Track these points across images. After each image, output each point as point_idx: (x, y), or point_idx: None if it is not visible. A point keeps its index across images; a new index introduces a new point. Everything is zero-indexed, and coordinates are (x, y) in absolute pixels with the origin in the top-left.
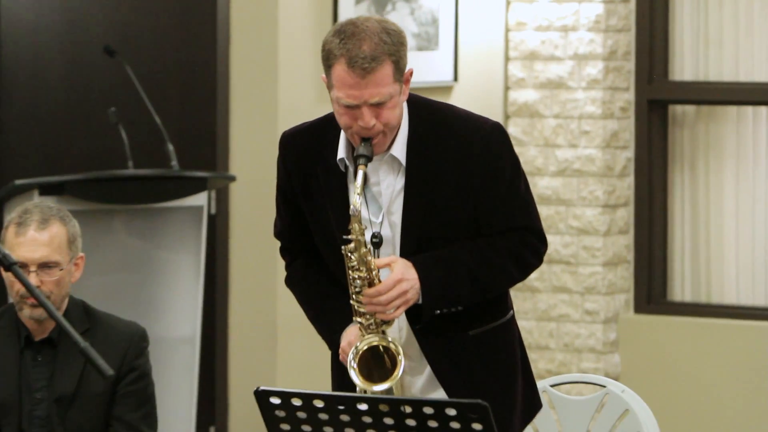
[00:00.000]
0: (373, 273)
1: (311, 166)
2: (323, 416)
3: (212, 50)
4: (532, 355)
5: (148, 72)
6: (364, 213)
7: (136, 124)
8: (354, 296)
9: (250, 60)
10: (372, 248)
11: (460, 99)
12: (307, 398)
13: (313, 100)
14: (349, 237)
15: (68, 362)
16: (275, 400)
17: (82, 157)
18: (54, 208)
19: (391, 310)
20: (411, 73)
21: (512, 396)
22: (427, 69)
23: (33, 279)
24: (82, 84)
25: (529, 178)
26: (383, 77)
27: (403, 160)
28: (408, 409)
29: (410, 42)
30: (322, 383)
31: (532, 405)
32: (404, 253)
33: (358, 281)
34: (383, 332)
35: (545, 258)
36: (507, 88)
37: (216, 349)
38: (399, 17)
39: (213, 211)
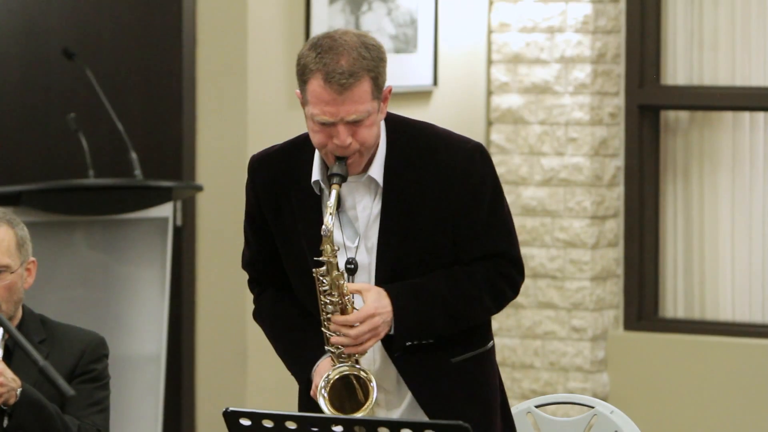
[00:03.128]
0: (346, 298)
1: (283, 190)
2: None
3: (178, 53)
4: (515, 374)
5: (110, 76)
6: (339, 238)
7: (97, 131)
8: (325, 323)
9: (217, 63)
10: (346, 274)
11: (440, 104)
12: (278, 419)
13: (284, 105)
14: (321, 259)
15: (23, 370)
16: (245, 422)
17: (40, 165)
18: None
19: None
20: (390, 91)
21: (492, 429)
22: (405, 73)
23: None
24: (39, 88)
25: (513, 188)
26: (361, 94)
27: (381, 181)
28: (385, 431)
29: (387, 44)
30: (294, 404)
31: None
32: (379, 279)
33: (330, 306)
34: (356, 360)
35: (530, 272)
36: (489, 93)
37: (182, 368)
38: (375, 18)
39: (179, 222)
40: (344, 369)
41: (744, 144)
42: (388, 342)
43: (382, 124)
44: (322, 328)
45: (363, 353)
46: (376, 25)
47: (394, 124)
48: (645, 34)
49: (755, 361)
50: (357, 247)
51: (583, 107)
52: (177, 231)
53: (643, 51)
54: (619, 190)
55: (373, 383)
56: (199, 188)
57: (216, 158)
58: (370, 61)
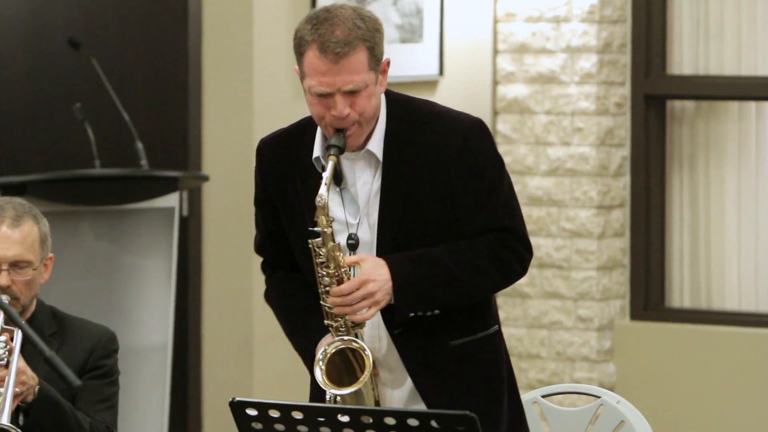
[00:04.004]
0: (342, 270)
1: (289, 171)
2: (302, 429)
3: (184, 43)
4: (522, 364)
5: (116, 66)
6: (341, 215)
7: (103, 121)
8: (323, 296)
9: (223, 53)
10: (348, 250)
11: (446, 94)
12: (285, 409)
13: (289, 95)
14: (316, 229)
15: (33, 364)
16: (252, 412)
17: (46, 155)
18: (26, 205)
19: (361, 311)
20: (388, 63)
21: (496, 417)
22: (411, 63)
23: (3, 278)
24: (45, 79)
25: (519, 178)
26: (357, 63)
27: (381, 156)
28: (391, 421)
29: (393, 34)
30: (300, 394)
31: (517, 430)
32: (380, 255)
33: (327, 279)
34: (355, 335)
35: (536, 262)
36: (495, 83)
37: (189, 358)
38: (381, 8)
39: (185, 212)
40: (339, 343)
41: (750, 134)
42: (390, 316)
43: (382, 99)
44: (320, 302)
45: (364, 321)
46: (382, 15)
47: (394, 100)
48: (651, 24)
49: (762, 351)
50: (359, 224)
51: (589, 97)
52: (183, 221)
53: (648, 40)
54: (625, 180)
55: (368, 351)
56: (206, 178)
57: (222, 148)
58: (366, 31)
